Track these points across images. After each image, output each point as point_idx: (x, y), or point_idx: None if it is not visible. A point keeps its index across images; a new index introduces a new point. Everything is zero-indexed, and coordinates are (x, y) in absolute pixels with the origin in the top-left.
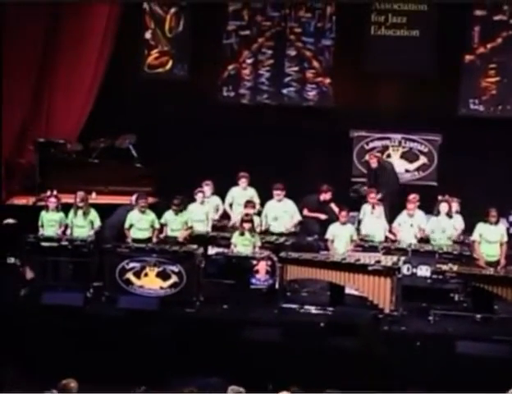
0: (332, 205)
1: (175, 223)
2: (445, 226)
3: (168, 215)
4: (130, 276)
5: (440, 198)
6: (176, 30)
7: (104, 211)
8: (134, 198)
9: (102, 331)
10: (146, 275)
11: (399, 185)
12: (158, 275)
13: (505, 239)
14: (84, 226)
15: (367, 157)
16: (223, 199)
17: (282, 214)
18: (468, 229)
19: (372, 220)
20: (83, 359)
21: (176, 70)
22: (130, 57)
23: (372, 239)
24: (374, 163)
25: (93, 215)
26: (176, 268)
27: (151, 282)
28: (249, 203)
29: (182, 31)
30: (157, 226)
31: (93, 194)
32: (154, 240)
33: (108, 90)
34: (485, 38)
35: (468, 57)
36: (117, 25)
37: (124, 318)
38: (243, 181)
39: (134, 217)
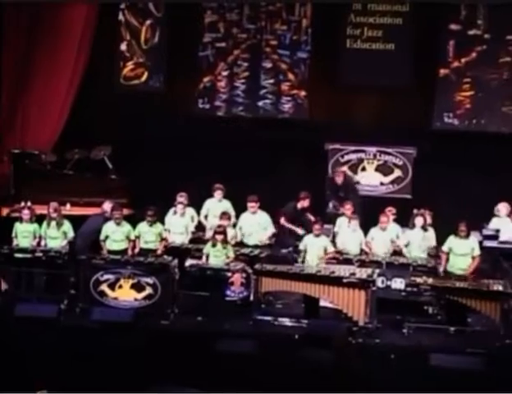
0: (309, 215)
1: (149, 235)
2: (420, 240)
3: (142, 227)
4: (104, 287)
5: (415, 211)
6: (151, 42)
7: (78, 222)
8: (105, 206)
9: (75, 342)
10: (120, 287)
11: (360, 198)
12: (133, 287)
13: (477, 252)
14: (57, 237)
15: (332, 173)
16: (198, 210)
17: (256, 227)
18: (442, 242)
19: (349, 233)
20: (56, 371)
21: (152, 81)
22: (105, 69)
23: (348, 252)
24: (340, 180)
25: (67, 226)
26: (150, 280)
27: (125, 294)
28: (224, 215)
29: (158, 43)
30: (132, 237)
31: (68, 206)
32: (129, 252)
33: (84, 101)
34: (460, 53)
35: (442, 71)
36: (93, 37)
37: (98, 329)
38: (218, 193)
39: (109, 228)
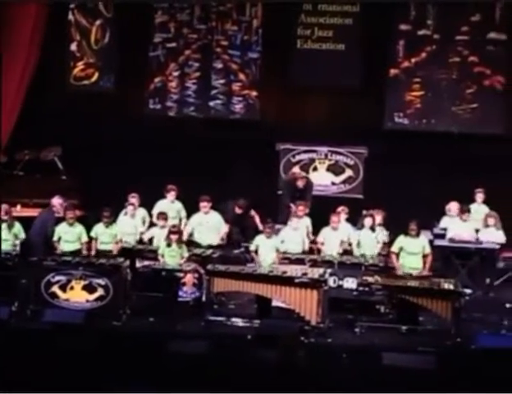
0: (254, 216)
1: (105, 236)
2: (370, 240)
3: (98, 228)
4: (55, 289)
5: (364, 212)
6: (101, 42)
7: (29, 224)
8: (54, 200)
9: (27, 344)
10: (72, 288)
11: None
12: (84, 288)
13: (428, 251)
14: (7, 239)
15: (291, 175)
16: (150, 211)
17: (209, 227)
18: (393, 241)
19: (290, 231)
20: (7, 373)
21: (102, 82)
22: (56, 69)
23: (290, 250)
24: (302, 184)
25: (18, 228)
26: (102, 281)
27: (77, 295)
28: (161, 215)
29: (108, 43)
30: (85, 238)
31: (18, 207)
32: (84, 252)
33: (34, 102)
34: (409, 53)
35: (393, 71)
36: (42, 37)
37: (49, 331)
38: (171, 194)
39: (61, 229)
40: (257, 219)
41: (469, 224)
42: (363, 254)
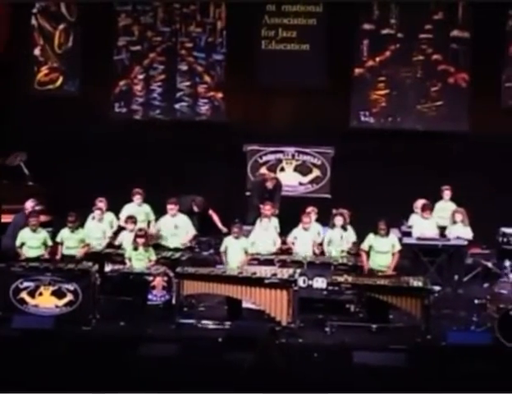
0: (212, 215)
1: (71, 241)
2: (340, 239)
3: (64, 233)
4: (24, 295)
5: (334, 211)
6: (65, 46)
7: None
8: (27, 204)
9: None
10: (41, 294)
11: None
12: (53, 294)
13: (398, 248)
14: None
15: (260, 176)
16: (117, 215)
17: (176, 229)
18: (362, 240)
19: (260, 232)
20: None
21: (67, 86)
22: (20, 74)
23: (260, 251)
24: (271, 185)
25: None
26: (71, 287)
27: (46, 301)
28: (129, 219)
29: (72, 47)
30: (49, 244)
31: None
32: (46, 257)
33: None
34: (374, 52)
35: (357, 71)
36: (6, 42)
37: (18, 337)
38: (137, 198)
39: (25, 235)
40: (215, 218)
41: (432, 221)
42: (336, 252)
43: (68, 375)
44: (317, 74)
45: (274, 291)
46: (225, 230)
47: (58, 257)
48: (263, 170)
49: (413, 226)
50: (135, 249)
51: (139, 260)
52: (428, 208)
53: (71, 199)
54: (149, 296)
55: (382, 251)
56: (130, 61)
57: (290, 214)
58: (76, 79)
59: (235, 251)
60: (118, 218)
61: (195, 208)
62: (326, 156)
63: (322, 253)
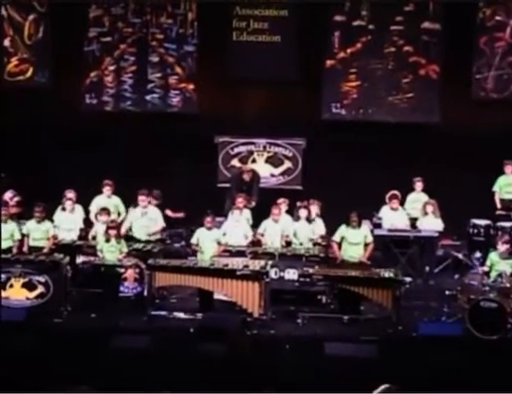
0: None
1: (37, 232)
2: (306, 231)
3: (30, 224)
4: None
5: (298, 203)
6: (35, 37)
7: None
8: (6, 196)
9: None
10: (11, 286)
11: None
12: (24, 286)
13: (370, 239)
14: None
15: (237, 168)
16: (86, 207)
17: (147, 221)
18: (333, 232)
19: (232, 224)
20: None
21: (37, 77)
22: None
23: (232, 243)
24: (248, 177)
25: None
26: (42, 279)
27: (17, 293)
28: (103, 211)
29: (42, 38)
30: (17, 236)
31: None
32: (14, 250)
33: None
34: (345, 44)
35: (329, 62)
36: None
37: None
38: (107, 189)
39: None
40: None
41: (401, 213)
42: (301, 244)
43: (39, 367)
44: (288, 65)
45: (246, 283)
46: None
47: (25, 249)
48: (235, 162)
49: (382, 217)
50: (107, 240)
51: (111, 252)
52: (395, 197)
53: (41, 191)
54: (121, 288)
55: (354, 242)
56: (100, 52)
57: (262, 206)
58: (46, 70)
59: (208, 242)
60: (88, 210)
61: (153, 201)
62: (298, 148)
63: (289, 244)
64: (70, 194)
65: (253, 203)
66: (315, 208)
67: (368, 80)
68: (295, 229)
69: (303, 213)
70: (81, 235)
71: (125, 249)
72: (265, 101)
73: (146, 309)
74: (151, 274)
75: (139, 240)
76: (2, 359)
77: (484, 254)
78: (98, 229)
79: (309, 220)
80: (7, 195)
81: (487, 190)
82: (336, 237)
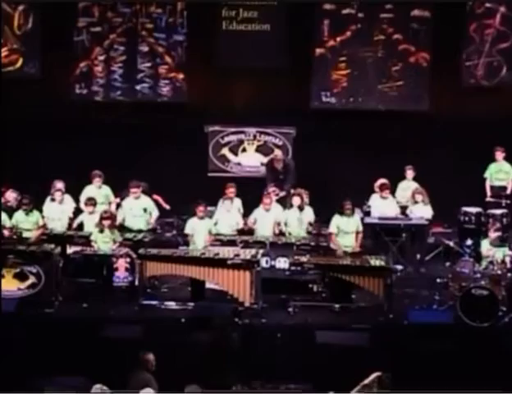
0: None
1: (26, 223)
2: (295, 219)
3: (19, 215)
4: None
5: (292, 191)
6: (25, 27)
7: None
8: (7, 195)
9: None
10: (3, 276)
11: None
12: (16, 276)
13: (361, 228)
14: None
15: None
16: (76, 197)
17: (140, 211)
18: (324, 220)
19: (222, 213)
20: None
21: (27, 68)
22: None
23: (224, 232)
24: (279, 166)
25: None
26: (33, 269)
27: (8, 284)
28: (89, 201)
29: (32, 28)
30: (8, 226)
31: None
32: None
33: None
34: (334, 32)
35: (318, 51)
36: None
37: None
38: (97, 180)
39: None
40: (160, 200)
41: (391, 201)
42: (290, 233)
43: (31, 357)
44: (278, 54)
45: (237, 272)
46: (168, 207)
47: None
48: (225, 151)
49: (371, 206)
50: (101, 231)
51: (106, 242)
52: (386, 187)
53: (31, 181)
54: (112, 278)
55: (348, 231)
56: (90, 42)
57: (253, 195)
58: (36, 60)
59: (201, 232)
60: (77, 201)
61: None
62: (288, 136)
63: (281, 233)
64: (60, 184)
65: (283, 193)
66: (304, 197)
67: (357, 68)
68: (287, 217)
69: (296, 200)
70: (71, 225)
71: (119, 239)
72: (255, 90)
73: (137, 298)
74: (142, 264)
75: (130, 230)
76: None
77: (475, 241)
78: (84, 219)
79: (301, 208)
80: (10, 195)
81: (478, 178)
82: (333, 228)
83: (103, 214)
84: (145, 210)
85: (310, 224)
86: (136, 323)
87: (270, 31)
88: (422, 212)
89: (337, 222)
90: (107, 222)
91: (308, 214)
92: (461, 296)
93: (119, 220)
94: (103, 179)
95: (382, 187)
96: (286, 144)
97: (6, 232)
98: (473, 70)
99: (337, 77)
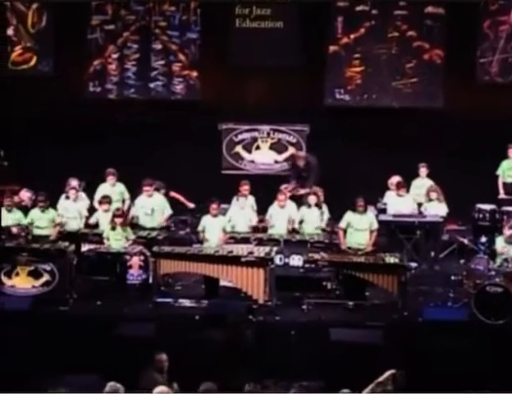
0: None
1: (42, 221)
2: (314, 217)
3: (34, 213)
4: (0, 276)
5: (307, 190)
6: (39, 26)
7: None
8: (22, 194)
9: None
10: (17, 274)
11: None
12: (30, 274)
13: (375, 226)
14: None
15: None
16: (91, 196)
17: (153, 209)
18: (338, 218)
19: (236, 210)
20: None
21: (41, 66)
22: None
23: (237, 230)
24: (301, 163)
25: None
26: (48, 267)
27: (23, 282)
28: (104, 199)
29: (45, 26)
30: (23, 223)
31: None
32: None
33: None
34: (348, 29)
35: (332, 48)
36: None
37: None
38: (111, 178)
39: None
40: (180, 198)
41: (407, 198)
42: (309, 231)
43: (45, 355)
44: (291, 51)
45: (251, 270)
46: (192, 206)
47: (29, 237)
48: (239, 148)
49: (387, 203)
50: (113, 228)
51: (117, 240)
52: (403, 185)
53: (46, 179)
54: (126, 276)
55: (360, 229)
56: (103, 40)
57: (267, 192)
58: (50, 58)
59: (214, 230)
60: (91, 199)
61: (161, 191)
62: (302, 134)
63: (295, 231)
64: (74, 182)
65: (306, 190)
66: (320, 195)
67: (371, 65)
68: (304, 215)
69: (312, 199)
70: (86, 223)
71: (132, 237)
72: (268, 87)
73: (151, 296)
74: (156, 261)
75: (144, 228)
76: (7, 347)
77: (489, 238)
78: (100, 217)
79: (318, 206)
80: (24, 194)
81: (492, 175)
82: (343, 224)
83: (115, 212)
84: (153, 210)
85: (329, 223)
86: (150, 321)
87: (283, 29)
88: (436, 209)
89: (349, 218)
90: (119, 220)
91: (325, 212)
92: (476, 294)
93: (130, 218)
94: (117, 177)
95: (399, 186)
96: (300, 141)
97: (15, 230)
98: (487, 67)
99: (351, 74)
